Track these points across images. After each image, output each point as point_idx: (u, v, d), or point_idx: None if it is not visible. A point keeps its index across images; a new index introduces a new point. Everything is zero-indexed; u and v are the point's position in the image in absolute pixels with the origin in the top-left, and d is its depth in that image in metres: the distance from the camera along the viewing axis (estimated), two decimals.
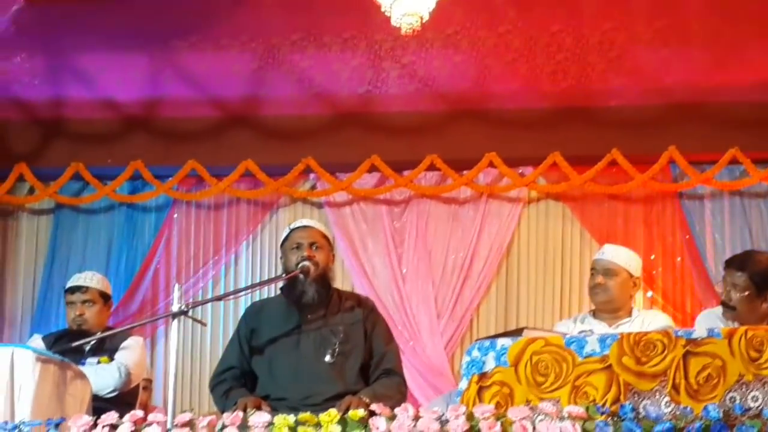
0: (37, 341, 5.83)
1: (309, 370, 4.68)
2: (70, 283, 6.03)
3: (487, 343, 4.13)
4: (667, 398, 3.74)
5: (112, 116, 8.05)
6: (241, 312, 5.17)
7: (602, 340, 3.91)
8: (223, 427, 3.74)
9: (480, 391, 4.04)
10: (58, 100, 7.93)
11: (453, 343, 7.81)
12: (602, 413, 3.60)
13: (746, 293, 5.08)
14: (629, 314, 5.42)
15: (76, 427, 3.76)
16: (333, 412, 3.72)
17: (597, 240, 7.72)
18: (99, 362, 5.65)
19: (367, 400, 4.30)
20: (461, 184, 7.93)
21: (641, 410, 3.62)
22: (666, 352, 3.80)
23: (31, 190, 8.25)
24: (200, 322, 4.56)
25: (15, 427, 3.87)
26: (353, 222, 8.10)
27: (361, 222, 8.10)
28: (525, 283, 7.96)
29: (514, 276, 7.99)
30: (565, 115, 7.74)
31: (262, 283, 6.90)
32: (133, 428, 3.73)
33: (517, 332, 4.35)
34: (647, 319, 5.38)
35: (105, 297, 6.00)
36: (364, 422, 3.68)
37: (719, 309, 5.26)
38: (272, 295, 6.25)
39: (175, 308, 4.20)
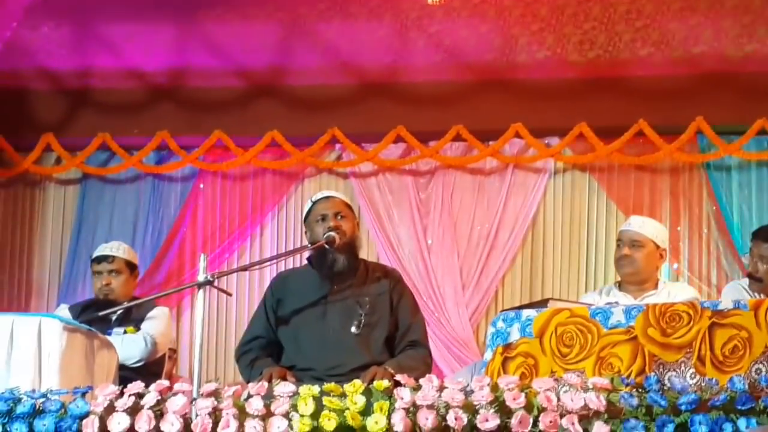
0: (64, 311, 5.83)
1: (335, 341, 4.66)
2: (96, 253, 6.02)
3: (512, 314, 4.13)
4: (692, 370, 3.73)
5: (139, 86, 8.06)
6: (267, 282, 5.17)
7: (628, 311, 3.91)
8: (249, 396, 3.75)
9: (505, 362, 4.05)
10: (84, 70, 7.95)
11: (478, 314, 7.81)
12: (627, 385, 3.60)
13: None
14: (655, 286, 5.40)
15: (103, 396, 3.78)
16: (358, 383, 3.72)
17: (623, 211, 7.70)
18: (125, 332, 5.64)
19: (392, 371, 4.30)
20: (487, 154, 7.90)
21: (666, 382, 3.60)
22: (692, 323, 3.79)
23: (58, 160, 8.28)
24: (226, 292, 4.55)
25: (43, 395, 3.90)
26: (379, 193, 8.09)
27: (387, 193, 8.08)
28: (550, 254, 7.93)
29: (540, 247, 7.95)
30: (592, 86, 7.69)
31: (287, 253, 6.92)
32: (158, 398, 3.75)
33: (542, 303, 4.35)
34: (673, 291, 5.35)
35: (131, 267, 5.99)
36: (388, 393, 3.68)
37: (746, 281, 5.25)
38: (298, 265, 6.25)
39: (201, 278, 4.19)
